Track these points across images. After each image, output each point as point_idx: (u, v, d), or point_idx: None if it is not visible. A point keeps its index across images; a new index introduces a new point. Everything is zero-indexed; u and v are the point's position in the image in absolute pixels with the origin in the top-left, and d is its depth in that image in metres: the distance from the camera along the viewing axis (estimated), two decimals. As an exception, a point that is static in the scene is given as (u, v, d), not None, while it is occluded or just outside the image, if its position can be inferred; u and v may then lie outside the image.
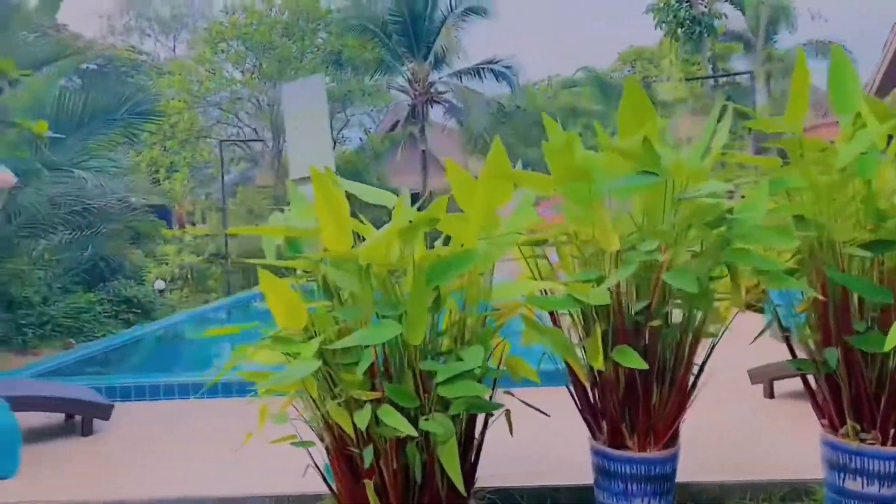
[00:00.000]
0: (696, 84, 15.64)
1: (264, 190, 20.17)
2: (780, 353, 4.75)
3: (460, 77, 22.75)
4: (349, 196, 2.69)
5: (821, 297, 2.65)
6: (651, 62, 25.54)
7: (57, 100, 10.25)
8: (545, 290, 2.87)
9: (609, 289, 2.59)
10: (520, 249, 2.95)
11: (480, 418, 2.74)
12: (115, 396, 5.42)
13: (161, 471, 4.02)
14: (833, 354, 2.67)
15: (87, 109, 10.32)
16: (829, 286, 2.66)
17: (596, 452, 2.87)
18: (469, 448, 2.72)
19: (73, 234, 11.07)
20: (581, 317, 2.84)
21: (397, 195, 2.79)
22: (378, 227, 2.65)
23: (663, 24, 15.13)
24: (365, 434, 2.51)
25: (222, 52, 21.07)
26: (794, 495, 3.23)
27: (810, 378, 2.92)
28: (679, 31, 14.95)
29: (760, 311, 6.70)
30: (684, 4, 14.93)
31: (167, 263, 17.66)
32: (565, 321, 2.94)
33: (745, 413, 4.58)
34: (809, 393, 2.93)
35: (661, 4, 15.08)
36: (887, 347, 2.23)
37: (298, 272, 2.85)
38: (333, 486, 2.76)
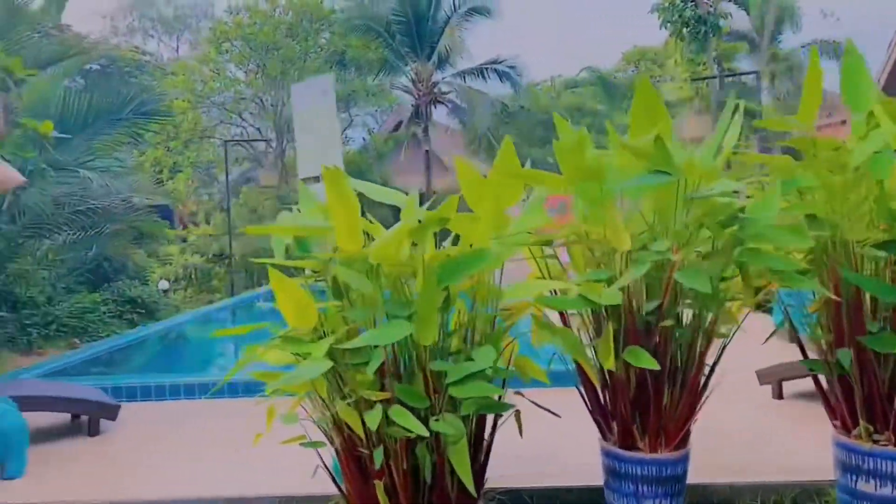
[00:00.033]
0: (702, 84, 15.60)
1: (267, 190, 20.17)
2: (786, 353, 4.77)
3: (464, 77, 22.72)
4: (357, 196, 2.68)
5: (834, 298, 2.63)
6: (655, 62, 25.51)
7: (62, 100, 10.26)
8: (555, 291, 2.85)
9: (620, 289, 2.57)
10: (529, 249, 2.93)
11: (489, 419, 2.73)
12: (120, 396, 5.42)
13: (168, 471, 4.01)
14: (846, 355, 2.65)
15: (91, 109, 10.33)
16: (842, 286, 2.65)
17: (606, 453, 2.85)
18: (479, 449, 2.71)
19: (78, 234, 11.07)
20: (592, 317, 2.82)
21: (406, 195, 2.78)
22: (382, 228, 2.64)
23: (668, 24, 15.09)
24: (375, 434, 2.50)
25: (226, 52, 21.09)
26: (806, 497, 3.21)
27: (822, 379, 2.90)
28: (684, 30, 14.91)
29: (768, 311, 6.70)
30: (689, 4, 14.90)
31: (171, 263, 17.69)
32: (574, 321, 2.92)
33: (754, 414, 4.56)
34: (821, 394, 2.91)
35: (667, 4, 15.04)
36: (902, 348, 2.22)
37: (307, 272, 2.84)
38: (343, 487, 2.75)
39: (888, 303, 2.60)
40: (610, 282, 2.62)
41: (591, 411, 2.92)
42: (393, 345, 2.53)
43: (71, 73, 12.03)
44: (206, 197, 23.54)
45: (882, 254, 2.55)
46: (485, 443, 2.73)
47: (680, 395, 2.72)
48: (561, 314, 2.92)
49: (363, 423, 2.50)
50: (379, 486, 2.51)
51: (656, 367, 2.53)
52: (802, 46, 20.62)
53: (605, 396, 2.86)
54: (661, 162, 2.45)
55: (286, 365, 2.69)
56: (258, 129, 22.76)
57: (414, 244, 2.63)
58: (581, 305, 2.59)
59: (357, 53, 20.86)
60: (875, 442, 2.65)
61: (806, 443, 3.87)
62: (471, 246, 2.68)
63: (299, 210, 2.96)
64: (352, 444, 2.62)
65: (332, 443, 2.72)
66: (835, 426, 2.85)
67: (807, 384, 4.71)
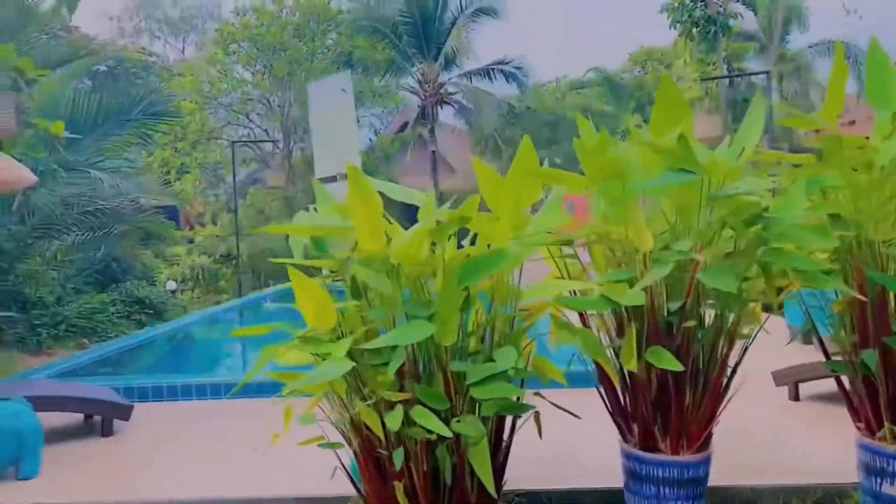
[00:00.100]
0: (712, 84, 15.55)
1: (274, 191, 20.18)
2: (797, 354, 4.74)
3: (470, 78, 22.70)
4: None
5: (860, 298, 2.60)
6: (662, 63, 25.43)
7: (71, 101, 10.29)
8: (574, 291, 2.83)
9: (642, 289, 2.55)
10: (548, 249, 2.91)
11: (508, 420, 2.71)
12: (132, 397, 5.41)
13: (183, 472, 4.00)
14: (871, 356, 2.62)
15: (101, 110, 10.36)
16: (867, 286, 2.62)
17: (627, 455, 2.83)
18: (498, 450, 2.69)
19: (86, 235, 11.10)
20: (613, 317, 2.80)
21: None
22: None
23: (678, 24, 15.04)
24: (394, 436, 2.48)
25: (233, 53, 21.12)
26: (828, 499, 3.17)
27: (844, 380, 2.87)
28: (694, 30, 14.85)
29: (780, 312, 6.66)
30: (699, 4, 14.84)
31: (178, 264, 17.70)
32: (594, 322, 2.90)
33: (771, 415, 4.52)
34: (844, 396, 2.88)
35: (676, 4, 14.98)
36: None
37: (324, 272, 2.82)
38: (361, 488, 2.73)
39: (914, 303, 2.58)
40: (632, 282, 2.59)
41: (611, 413, 2.89)
42: (412, 345, 2.51)
43: (79, 75, 12.06)
44: (212, 198, 23.58)
45: (908, 253, 2.52)
46: (503, 444, 2.70)
47: (702, 397, 2.70)
48: (580, 315, 2.90)
49: (383, 424, 2.48)
50: (399, 487, 2.49)
51: (680, 368, 2.50)
52: (810, 46, 20.56)
53: (625, 398, 2.83)
54: (685, 160, 2.42)
55: (302, 365, 2.67)
56: (265, 129, 22.78)
57: (432, 244, 2.61)
58: (603, 306, 2.56)
59: (364, 54, 20.85)
60: (901, 444, 2.61)
61: (825, 445, 3.84)
62: (489, 246, 2.67)
63: (315, 210, 2.95)
64: (370, 446, 2.60)
65: (349, 444, 2.70)
66: (858, 428, 2.82)
67: (823, 386, 4.69)
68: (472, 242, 2.77)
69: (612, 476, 2.97)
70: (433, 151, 22.05)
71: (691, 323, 2.58)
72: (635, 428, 2.80)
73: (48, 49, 10.90)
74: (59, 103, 10.03)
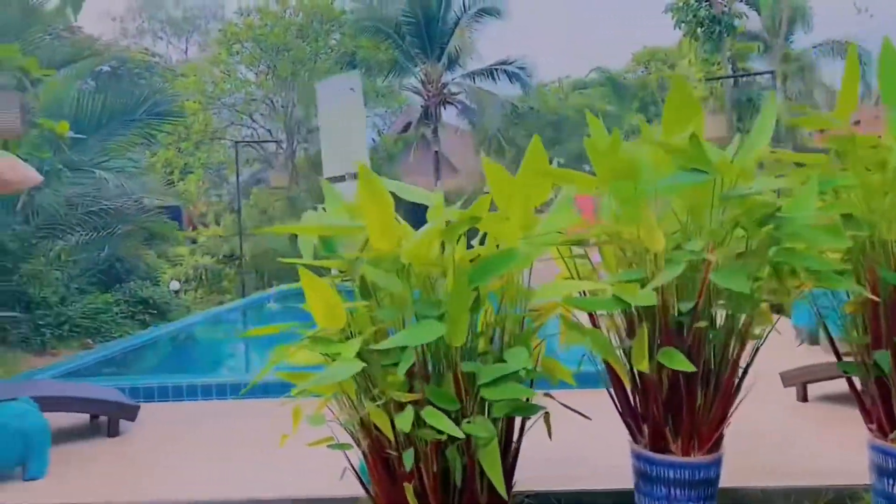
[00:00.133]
0: (716, 84, 15.53)
1: (278, 191, 20.18)
2: (804, 354, 4.73)
3: (473, 78, 22.70)
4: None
5: (873, 298, 2.58)
6: (665, 62, 25.40)
7: (76, 101, 10.29)
8: (583, 291, 2.81)
9: (654, 289, 2.53)
10: (557, 249, 2.90)
11: (517, 420, 2.69)
12: (138, 397, 5.40)
13: (189, 472, 3.99)
14: (884, 357, 2.60)
15: (105, 110, 10.37)
16: (881, 286, 2.60)
17: (637, 456, 2.81)
18: (507, 451, 2.67)
19: (90, 235, 11.10)
20: (623, 318, 2.78)
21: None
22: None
23: (682, 24, 15.03)
24: (404, 437, 2.46)
25: (237, 53, 21.13)
26: (839, 501, 3.16)
27: (855, 381, 2.86)
28: (698, 30, 14.84)
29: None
30: (704, 4, 14.82)
31: (181, 264, 17.70)
32: (603, 322, 2.88)
33: (780, 416, 4.50)
34: (856, 397, 2.86)
35: (681, 4, 14.96)
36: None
37: (333, 272, 2.81)
38: (370, 489, 2.71)
39: (928, 304, 2.56)
40: (643, 282, 2.58)
41: (621, 413, 2.87)
42: (422, 346, 2.50)
43: (83, 75, 12.06)
44: (216, 198, 23.59)
45: (922, 254, 2.51)
46: (513, 445, 2.69)
47: (713, 398, 2.68)
48: (590, 315, 2.88)
49: (392, 424, 2.47)
50: (408, 488, 2.48)
51: (692, 368, 2.49)
52: (814, 47, 20.53)
53: (635, 398, 2.82)
54: (697, 160, 2.41)
55: (310, 365, 2.66)
56: (269, 130, 22.80)
57: (441, 244, 2.60)
58: (615, 306, 2.55)
59: (367, 54, 20.85)
60: (914, 446, 2.60)
61: (835, 446, 3.83)
62: (497, 246, 2.65)
63: (324, 209, 2.93)
64: (380, 446, 2.59)
65: (358, 445, 2.68)
66: (870, 430, 2.80)
67: (831, 387, 4.67)
68: (482, 242, 2.76)
69: (622, 477, 2.96)
70: (436, 152, 22.05)
71: (703, 323, 2.57)
72: (646, 429, 2.79)
73: (52, 49, 10.90)
74: (63, 103, 10.04)
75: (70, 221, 10.38)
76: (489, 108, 21.42)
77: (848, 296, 2.81)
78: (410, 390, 2.49)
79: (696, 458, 2.69)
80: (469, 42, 22.39)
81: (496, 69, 22.41)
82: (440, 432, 2.35)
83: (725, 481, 2.84)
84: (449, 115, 23.38)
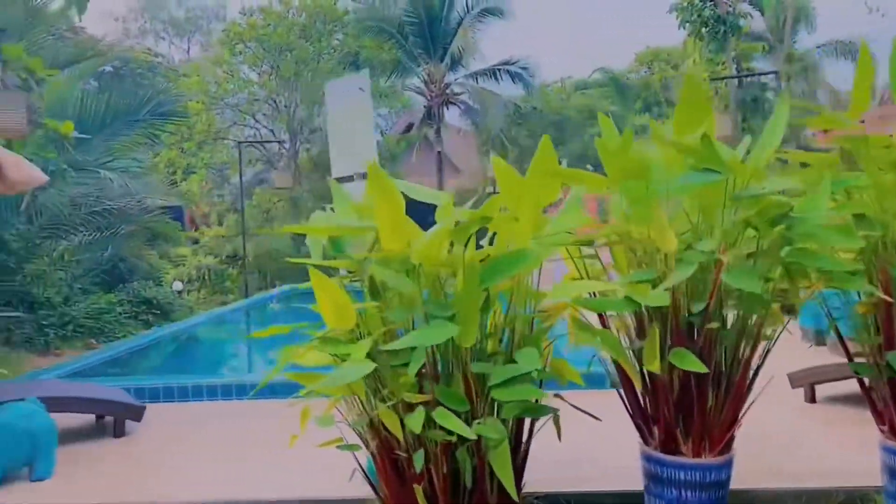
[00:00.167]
0: (721, 84, 15.51)
1: (281, 192, 20.17)
2: (809, 355, 4.70)
3: (476, 78, 22.65)
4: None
5: (887, 298, 2.56)
6: (668, 63, 25.37)
7: (79, 101, 10.29)
8: (593, 293, 2.80)
9: (665, 289, 2.52)
10: (566, 249, 2.88)
11: (526, 421, 2.68)
12: (143, 397, 5.39)
13: (195, 473, 3.98)
14: (897, 358, 2.58)
15: (109, 110, 10.37)
16: (893, 286, 2.58)
17: (647, 458, 2.80)
18: (517, 452, 2.66)
19: (93, 235, 11.10)
20: (633, 319, 2.77)
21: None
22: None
23: (687, 24, 15.01)
24: (414, 437, 2.45)
25: (240, 53, 21.13)
26: (851, 503, 3.14)
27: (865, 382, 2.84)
28: (703, 30, 14.82)
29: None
30: (708, 4, 14.80)
31: (184, 265, 17.70)
32: (613, 323, 2.87)
33: (788, 417, 4.49)
34: (867, 398, 2.84)
35: (686, 4, 14.95)
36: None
37: (341, 272, 2.79)
38: (379, 490, 2.70)
39: (941, 304, 2.54)
40: (654, 283, 2.56)
41: (631, 415, 2.86)
42: (432, 346, 2.48)
43: (86, 75, 12.07)
44: (218, 198, 23.59)
45: (935, 254, 2.49)
46: (523, 446, 2.68)
47: (724, 399, 2.67)
48: (600, 316, 2.87)
49: (402, 425, 2.46)
50: (418, 489, 2.47)
51: (704, 369, 2.47)
52: (818, 47, 20.49)
53: (645, 400, 2.80)
54: (710, 160, 2.39)
55: (318, 366, 2.65)
56: (271, 130, 22.79)
57: (450, 244, 2.59)
58: (627, 307, 2.54)
59: (370, 54, 20.84)
60: (927, 447, 2.58)
61: (844, 448, 3.81)
62: (507, 246, 2.64)
63: (332, 209, 2.92)
64: (389, 447, 2.58)
65: (367, 446, 2.67)
66: (882, 431, 2.79)
67: (839, 388, 4.65)
68: (491, 243, 2.75)
69: (631, 478, 2.95)
70: (439, 152, 22.02)
71: (715, 324, 2.56)
72: (656, 430, 2.77)
73: (56, 49, 10.90)
74: (66, 103, 10.04)
75: (74, 221, 10.37)
76: (492, 108, 21.38)
77: (859, 296, 2.80)
78: (420, 391, 2.47)
79: (708, 459, 2.68)
80: (472, 42, 22.35)
81: (499, 69, 22.37)
82: (450, 433, 2.33)
83: (734, 483, 2.83)
84: (452, 115, 23.34)
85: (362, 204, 2.74)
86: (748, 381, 2.72)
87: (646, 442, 2.83)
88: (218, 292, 17.91)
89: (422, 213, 2.69)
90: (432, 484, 2.50)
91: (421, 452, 2.42)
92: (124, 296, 11.78)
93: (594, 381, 2.85)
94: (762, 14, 18.85)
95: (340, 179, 3.60)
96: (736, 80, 16.70)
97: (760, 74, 17.47)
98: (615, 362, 2.76)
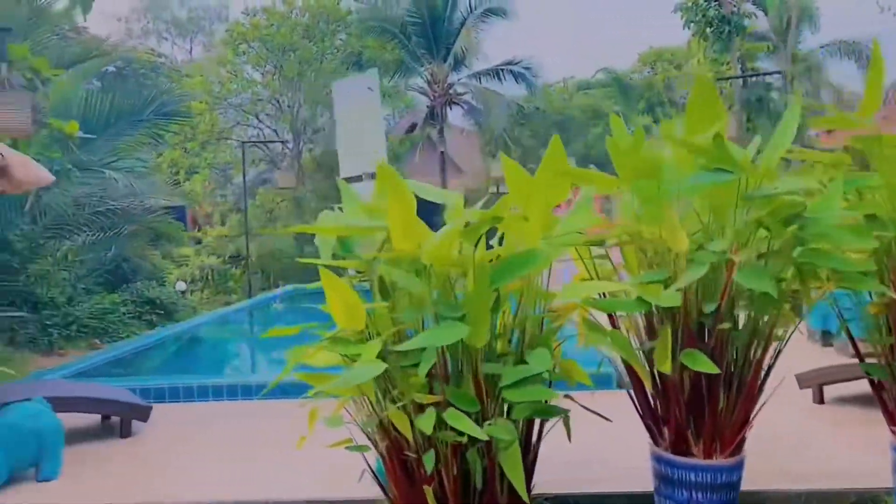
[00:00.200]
0: (725, 84, 15.49)
1: (284, 192, 20.17)
2: (816, 356, 4.68)
3: (479, 78, 22.61)
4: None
5: (900, 299, 2.55)
6: (671, 63, 25.33)
7: (84, 101, 10.30)
8: (602, 293, 2.79)
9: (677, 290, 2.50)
10: (576, 250, 2.87)
11: (536, 422, 2.67)
12: (148, 397, 5.39)
13: (203, 473, 3.98)
14: (910, 359, 2.57)
15: (113, 110, 10.37)
16: (906, 288, 2.57)
17: (658, 459, 2.78)
18: (527, 453, 2.65)
19: (97, 235, 11.11)
20: (644, 319, 2.76)
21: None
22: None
23: (692, 24, 14.99)
24: (424, 438, 2.44)
25: (243, 53, 21.14)
26: (861, 504, 3.13)
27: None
28: (708, 30, 14.80)
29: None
30: (713, 4, 14.78)
31: (187, 265, 17.71)
32: (623, 324, 2.86)
33: (796, 418, 4.47)
34: (879, 399, 2.83)
35: (690, 4, 14.94)
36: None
37: (350, 272, 2.78)
38: (388, 491, 2.69)
39: (954, 305, 2.53)
40: (666, 283, 2.55)
41: (641, 416, 2.85)
42: (442, 347, 2.47)
43: (90, 76, 12.07)
44: (221, 198, 23.60)
45: (948, 255, 2.47)
46: (533, 447, 2.67)
47: (736, 400, 2.65)
48: (610, 316, 2.86)
49: (412, 426, 2.45)
50: (429, 491, 2.45)
51: (716, 370, 2.46)
52: (822, 47, 20.46)
53: (655, 400, 2.79)
54: (722, 160, 2.38)
55: (325, 366, 2.64)
56: (275, 130, 22.79)
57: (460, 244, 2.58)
58: (638, 307, 2.53)
59: (373, 54, 20.82)
60: (940, 449, 2.57)
61: (854, 449, 3.79)
62: (516, 247, 2.63)
63: (339, 209, 2.91)
64: (398, 448, 2.57)
65: (376, 447, 2.66)
66: (893, 431, 2.77)
67: (847, 388, 4.63)
68: (500, 243, 2.73)
69: (641, 479, 2.93)
70: (442, 152, 21.99)
71: (726, 325, 2.54)
72: (666, 431, 2.76)
73: (60, 49, 10.91)
74: (71, 103, 10.04)
75: (77, 221, 10.38)
76: (495, 108, 21.34)
77: (870, 296, 2.78)
78: (430, 392, 2.46)
79: (719, 460, 2.66)
80: (475, 42, 22.32)
81: (502, 69, 22.32)
82: (461, 434, 2.32)
83: (747, 484, 2.82)
84: (455, 115, 23.30)
85: (372, 204, 2.73)
86: (760, 382, 2.70)
87: (656, 443, 2.82)
88: (221, 292, 17.93)
89: (427, 213, 2.68)
90: (442, 485, 2.49)
91: (431, 453, 2.41)
92: (128, 296, 11.79)
93: (601, 382, 2.84)
94: (766, 14, 18.83)
95: (349, 179, 3.59)
96: (741, 80, 16.67)
97: (765, 74, 17.45)
98: (624, 363, 2.75)
